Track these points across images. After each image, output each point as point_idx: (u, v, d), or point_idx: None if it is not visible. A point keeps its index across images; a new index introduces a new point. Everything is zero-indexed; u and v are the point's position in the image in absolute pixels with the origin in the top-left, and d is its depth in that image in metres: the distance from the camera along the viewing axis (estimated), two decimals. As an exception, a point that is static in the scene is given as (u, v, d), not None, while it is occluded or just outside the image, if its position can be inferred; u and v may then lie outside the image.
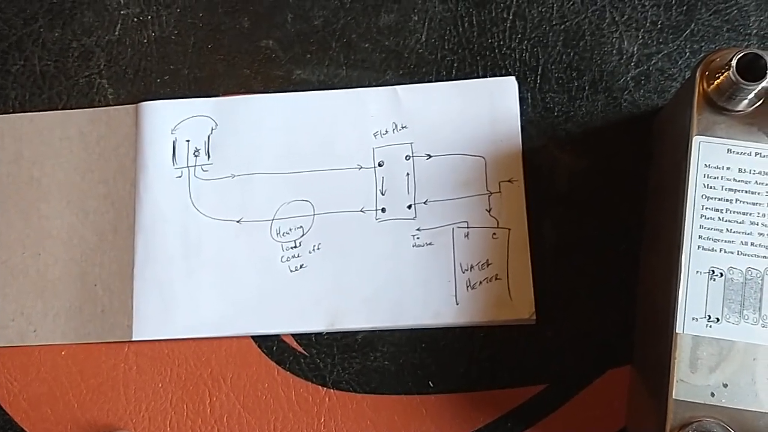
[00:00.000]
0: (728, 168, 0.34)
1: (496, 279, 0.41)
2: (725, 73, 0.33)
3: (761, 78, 0.33)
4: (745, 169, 0.34)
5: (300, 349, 0.42)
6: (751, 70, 0.33)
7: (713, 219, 0.34)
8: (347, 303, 0.41)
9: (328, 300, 0.41)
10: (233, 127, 0.43)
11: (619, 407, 0.40)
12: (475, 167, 0.42)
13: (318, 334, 0.42)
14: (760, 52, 0.33)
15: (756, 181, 0.34)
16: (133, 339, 0.41)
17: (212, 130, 0.43)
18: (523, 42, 0.44)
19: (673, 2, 0.43)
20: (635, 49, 0.43)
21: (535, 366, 0.40)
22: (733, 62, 0.33)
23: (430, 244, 0.42)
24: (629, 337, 0.40)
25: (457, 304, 0.41)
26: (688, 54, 0.43)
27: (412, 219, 0.42)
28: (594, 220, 0.41)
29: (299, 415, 0.41)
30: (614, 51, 0.43)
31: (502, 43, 0.44)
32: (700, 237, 0.34)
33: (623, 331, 0.40)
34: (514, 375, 0.40)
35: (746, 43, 0.42)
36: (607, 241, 0.41)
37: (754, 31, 0.43)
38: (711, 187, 0.34)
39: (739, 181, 0.34)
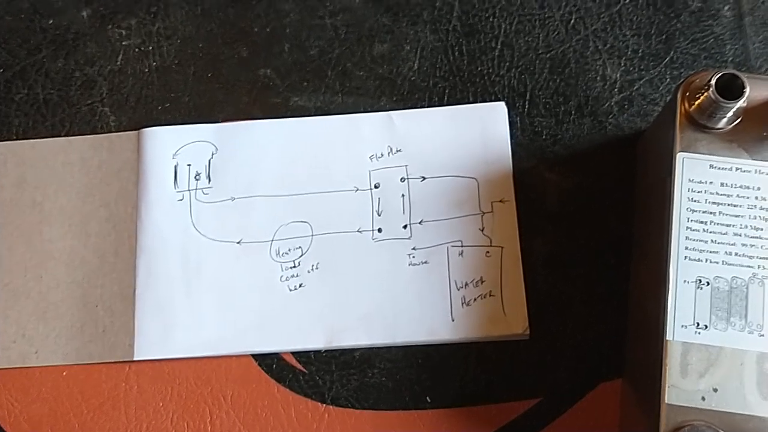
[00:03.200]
0: (711, 182, 0.36)
1: (490, 296, 0.42)
2: (705, 93, 0.35)
3: (739, 96, 0.35)
4: (727, 184, 0.36)
5: (299, 366, 0.42)
6: (729, 89, 0.35)
7: (698, 231, 0.36)
8: (345, 321, 0.42)
9: (326, 318, 0.42)
10: (233, 151, 0.44)
11: (612, 420, 0.41)
12: (468, 188, 0.44)
13: (317, 352, 0.42)
14: (737, 73, 0.35)
15: (738, 195, 0.36)
16: (135, 359, 0.42)
17: (212, 154, 0.44)
18: (512, 69, 0.46)
19: (653, 32, 0.46)
20: (618, 75, 0.45)
21: (529, 380, 0.41)
22: (713, 82, 0.35)
23: (425, 262, 0.43)
24: (620, 350, 0.41)
25: (453, 320, 0.42)
26: (668, 80, 0.45)
27: (408, 239, 0.43)
28: (583, 236, 0.43)
29: (299, 431, 0.41)
30: (598, 77, 0.45)
31: (491, 70, 0.46)
32: (686, 248, 0.35)
33: (614, 344, 0.41)
34: (508, 389, 0.41)
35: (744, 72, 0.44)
36: (596, 256, 0.43)
37: (730, 58, 0.45)
38: (695, 201, 0.36)
39: (721, 194, 0.36)
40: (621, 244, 0.42)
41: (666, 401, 0.34)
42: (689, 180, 0.36)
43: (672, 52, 0.45)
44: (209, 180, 0.44)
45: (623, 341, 0.41)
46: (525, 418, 0.41)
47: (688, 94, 0.37)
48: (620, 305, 0.42)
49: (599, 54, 0.45)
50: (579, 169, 0.44)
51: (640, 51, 0.45)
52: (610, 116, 0.45)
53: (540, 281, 0.42)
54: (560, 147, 0.44)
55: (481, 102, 0.45)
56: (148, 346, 0.42)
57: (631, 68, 0.45)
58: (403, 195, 0.44)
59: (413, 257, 0.43)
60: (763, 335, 0.34)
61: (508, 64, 0.46)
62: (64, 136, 0.46)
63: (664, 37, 0.46)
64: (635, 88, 0.45)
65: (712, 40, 0.45)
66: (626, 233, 0.42)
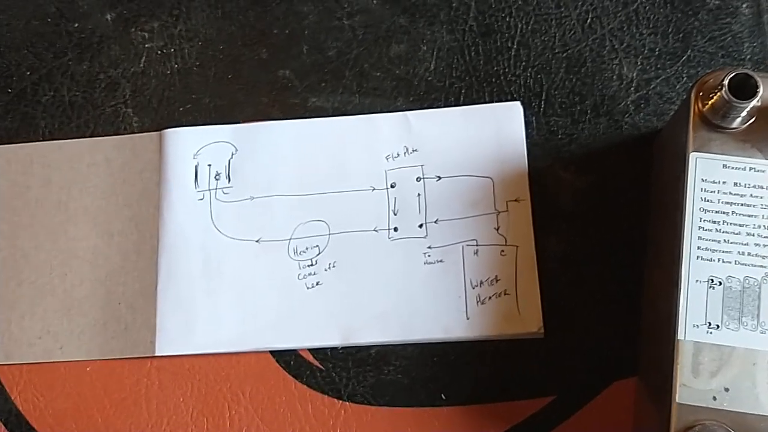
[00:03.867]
0: (724, 182, 0.36)
1: (505, 294, 0.42)
2: (718, 93, 0.35)
3: (752, 96, 0.35)
4: (740, 183, 0.36)
5: (316, 363, 0.43)
6: (742, 89, 0.35)
7: (711, 230, 0.36)
8: (361, 318, 0.43)
9: (343, 316, 0.43)
10: (252, 151, 0.45)
11: (626, 418, 0.41)
12: (483, 188, 0.44)
13: (333, 349, 0.43)
14: (750, 72, 0.35)
15: (751, 195, 0.36)
16: (156, 354, 0.43)
17: (232, 155, 0.45)
18: (528, 69, 0.46)
19: (670, 30, 0.46)
20: (634, 74, 0.45)
21: (543, 378, 0.42)
22: (725, 82, 0.35)
23: (440, 261, 0.43)
24: (635, 349, 0.41)
25: (468, 318, 0.42)
26: (685, 78, 0.45)
27: (424, 238, 0.44)
28: (598, 236, 0.43)
29: (315, 427, 0.42)
30: (614, 77, 0.45)
31: (507, 70, 0.46)
32: (698, 248, 0.36)
33: (629, 343, 0.41)
34: (523, 387, 0.42)
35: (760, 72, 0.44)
36: (611, 255, 0.43)
37: (748, 56, 0.45)
38: (708, 201, 0.36)
39: (734, 194, 0.36)
40: (635, 243, 0.42)
41: (677, 400, 0.34)
42: (702, 180, 0.36)
43: (689, 51, 0.45)
44: (229, 180, 0.45)
45: (637, 340, 0.41)
46: (539, 416, 0.41)
47: (701, 93, 0.37)
48: (634, 304, 0.42)
49: (616, 53, 0.46)
50: (594, 169, 0.44)
51: (657, 50, 0.45)
52: (626, 115, 0.45)
53: (554, 280, 0.43)
54: (576, 146, 0.44)
55: (497, 102, 0.45)
56: (169, 342, 0.43)
57: (648, 67, 0.45)
58: (419, 194, 0.44)
59: (429, 256, 0.43)
60: (776, 335, 0.34)
61: (524, 63, 0.46)
62: (89, 137, 0.47)
63: (681, 35, 0.45)
64: (652, 87, 0.45)
65: (729, 38, 0.45)
66: (641, 233, 0.42)
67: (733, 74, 0.35)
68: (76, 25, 0.49)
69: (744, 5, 0.46)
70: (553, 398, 0.42)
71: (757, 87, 0.35)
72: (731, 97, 0.35)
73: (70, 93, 0.48)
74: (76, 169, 0.47)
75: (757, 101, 0.35)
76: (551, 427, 0.41)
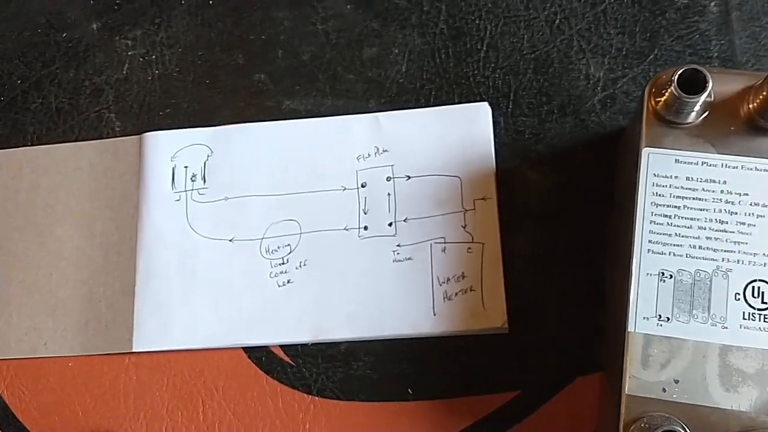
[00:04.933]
0: (676, 177, 0.37)
1: (471, 290, 0.43)
2: (669, 89, 0.36)
3: (701, 91, 0.35)
4: (692, 178, 0.36)
5: (287, 359, 0.44)
6: (692, 84, 0.35)
7: (662, 224, 0.36)
8: (331, 315, 0.44)
9: (313, 313, 0.44)
10: (227, 153, 0.47)
11: (589, 413, 0.41)
12: (452, 187, 0.45)
13: (304, 345, 0.44)
14: (698, 67, 0.35)
15: (703, 189, 0.36)
16: (133, 351, 0.44)
17: (208, 156, 0.47)
18: (496, 70, 0.47)
19: (638, 29, 0.46)
20: (601, 74, 0.46)
21: (508, 373, 0.42)
22: (674, 77, 0.35)
23: (409, 259, 0.44)
24: (597, 345, 0.42)
25: (435, 315, 0.43)
26: (651, 77, 0.45)
27: (393, 236, 0.44)
28: (563, 233, 0.43)
29: (286, 421, 0.43)
30: (581, 76, 0.46)
31: (476, 72, 0.47)
32: (650, 241, 0.36)
33: (592, 340, 0.42)
34: (488, 382, 0.42)
35: (707, 66, 0.44)
36: (576, 253, 0.43)
37: (716, 54, 0.45)
38: (660, 195, 0.36)
39: (686, 188, 0.36)
40: (600, 241, 0.43)
41: (627, 392, 0.34)
42: (654, 174, 0.37)
43: (656, 50, 0.46)
44: (204, 181, 0.46)
45: (601, 337, 0.42)
46: (504, 410, 0.42)
47: (654, 90, 0.37)
48: (598, 301, 0.42)
49: (583, 53, 0.46)
50: (561, 168, 0.45)
51: (624, 49, 0.46)
52: (593, 115, 0.45)
53: (521, 278, 0.43)
54: (543, 146, 0.45)
55: (466, 103, 0.46)
56: (146, 339, 0.45)
57: (615, 66, 0.46)
58: (389, 194, 0.45)
59: (398, 254, 0.44)
60: (726, 328, 0.35)
61: (493, 65, 0.47)
62: (74, 141, 0.49)
63: (648, 34, 0.46)
64: (618, 86, 0.45)
65: (697, 36, 0.46)
66: (605, 232, 0.43)
67: (682, 70, 0.35)
68: (64, 35, 0.51)
69: (712, 3, 0.46)
70: (517, 393, 0.42)
71: (706, 82, 0.35)
72: (681, 92, 0.35)
73: (57, 100, 0.50)
74: (63, 173, 0.48)
75: (707, 96, 0.36)
76: (515, 421, 0.42)
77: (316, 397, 0.43)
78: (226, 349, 0.44)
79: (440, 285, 0.43)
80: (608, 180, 0.44)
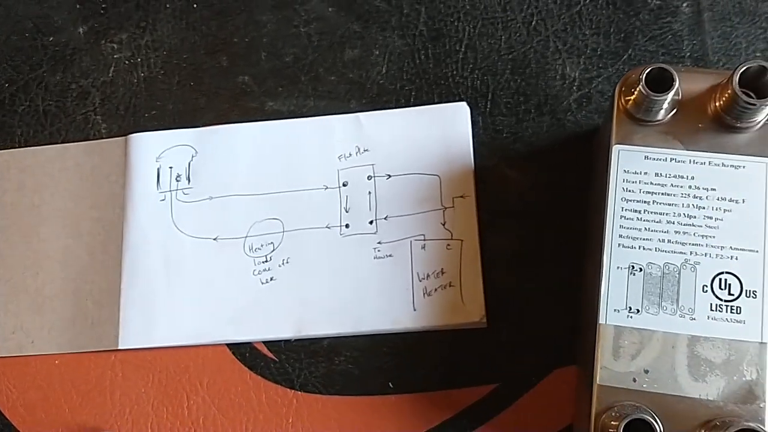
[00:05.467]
0: (646, 173, 0.38)
1: (450, 286, 0.44)
2: (638, 87, 0.37)
3: (668, 89, 0.36)
4: (661, 173, 0.37)
5: (270, 355, 0.45)
6: (660, 82, 0.37)
7: (632, 219, 0.37)
8: (314, 311, 0.45)
9: (296, 309, 0.45)
10: (211, 153, 0.48)
11: (566, 405, 0.42)
12: (431, 185, 0.46)
13: (287, 341, 0.45)
14: (665, 66, 0.36)
15: (672, 184, 0.37)
16: (119, 348, 0.45)
17: (193, 157, 0.48)
18: (475, 71, 0.48)
19: (612, 30, 0.47)
20: (577, 74, 0.47)
21: (487, 367, 0.43)
22: (642, 76, 0.36)
23: (390, 255, 0.45)
24: (574, 338, 0.43)
25: (415, 310, 0.44)
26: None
27: (374, 233, 0.45)
28: (541, 230, 0.44)
29: (269, 416, 0.44)
30: (558, 76, 0.47)
31: (455, 72, 0.48)
32: (620, 236, 0.37)
33: (568, 333, 0.43)
34: (467, 375, 0.43)
35: (674, 65, 0.45)
36: (553, 249, 0.44)
37: (688, 54, 0.46)
38: (629, 191, 0.37)
39: (656, 184, 0.37)
40: (577, 237, 0.44)
41: (598, 382, 0.35)
42: (624, 171, 0.38)
43: (630, 50, 0.47)
44: (189, 181, 0.47)
45: (576, 330, 0.43)
46: (483, 402, 0.43)
47: (624, 89, 0.38)
48: (575, 297, 0.43)
49: (559, 54, 0.47)
50: (538, 166, 0.46)
51: (599, 49, 0.47)
52: (569, 113, 0.46)
53: (500, 274, 0.44)
54: (520, 144, 0.46)
55: (445, 103, 0.47)
56: (132, 336, 0.45)
57: (590, 66, 0.47)
58: (369, 192, 0.46)
59: (378, 251, 0.45)
60: (694, 319, 0.36)
61: (471, 66, 0.48)
62: (61, 143, 0.50)
63: (622, 35, 0.47)
64: (593, 85, 0.46)
65: (670, 36, 0.47)
66: (583, 227, 0.44)
67: (650, 69, 0.36)
68: (51, 39, 0.52)
69: (684, 4, 0.47)
70: (496, 386, 0.43)
71: (673, 80, 0.36)
72: (648, 90, 0.36)
73: (44, 102, 0.51)
74: (49, 173, 0.49)
75: (674, 94, 0.37)
76: (494, 413, 0.43)
77: (299, 392, 0.44)
78: (210, 346, 0.45)
79: (420, 281, 0.44)
80: (584, 177, 0.44)
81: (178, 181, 0.47)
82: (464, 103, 0.47)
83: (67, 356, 0.46)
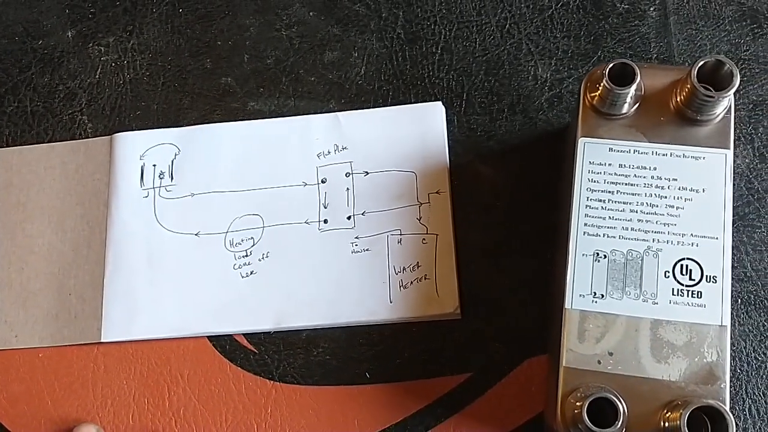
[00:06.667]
0: (610, 164, 0.39)
1: (425, 279, 0.45)
2: (602, 82, 0.38)
3: (630, 83, 0.38)
4: (625, 165, 0.39)
5: (250, 346, 0.46)
6: (623, 77, 0.38)
7: (597, 208, 0.38)
8: (293, 304, 0.46)
9: (275, 302, 0.46)
10: (194, 152, 0.49)
11: (538, 393, 0.43)
12: (407, 181, 0.47)
13: (266, 333, 0.46)
14: (628, 61, 0.38)
15: (635, 175, 0.39)
16: (102, 341, 0.46)
17: (175, 155, 0.49)
18: (450, 72, 0.49)
19: (582, 33, 0.49)
20: (548, 75, 0.48)
21: (461, 357, 0.44)
22: (606, 71, 0.38)
23: (367, 250, 0.46)
24: (545, 329, 0.44)
25: (391, 302, 0.45)
26: (591, 75, 0.48)
27: (352, 228, 0.47)
28: (513, 224, 0.46)
29: (248, 406, 0.45)
30: (530, 77, 0.48)
31: (431, 73, 0.49)
32: (585, 224, 0.38)
33: (539, 324, 0.44)
34: (442, 365, 0.44)
35: (643, 63, 0.47)
36: (524, 243, 0.45)
37: (655, 55, 0.48)
38: (594, 181, 0.39)
39: (620, 175, 0.39)
40: (548, 231, 0.45)
41: (564, 364, 0.37)
42: (590, 162, 0.39)
43: (599, 52, 0.48)
44: (172, 178, 0.48)
45: (548, 321, 0.44)
46: (457, 391, 0.44)
47: (589, 85, 0.40)
48: (546, 289, 0.44)
49: (531, 55, 0.49)
50: (511, 163, 0.47)
51: (570, 51, 0.49)
52: (540, 113, 0.48)
53: (474, 267, 0.45)
54: (494, 142, 0.48)
55: (421, 102, 0.49)
56: (115, 329, 0.46)
57: (561, 68, 0.48)
58: (347, 189, 0.47)
59: (356, 245, 0.46)
60: (657, 303, 0.37)
61: (447, 67, 0.49)
62: (47, 142, 0.51)
63: (592, 38, 0.49)
64: (564, 86, 0.48)
65: (637, 39, 0.48)
66: (553, 221, 0.45)
67: (613, 64, 0.38)
68: (40, 42, 0.53)
69: (651, 8, 0.49)
70: (470, 375, 0.44)
71: (634, 74, 0.38)
72: (612, 84, 0.38)
73: (32, 103, 0.52)
74: (35, 172, 0.50)
75: (636, 88, 0.38)
76: (468, 401, 0.44)
77: (278, 383, 0.45)
78: (191, 338, 0.46)
79: (396, 274, 0.45)
80: (555, 174, 0.46)
81: (161, 178, 0.49)
82: (440, 103, 0.48)
83: (51, 350, 0.47)
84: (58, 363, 0.47)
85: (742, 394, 0.42)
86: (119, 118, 0.51)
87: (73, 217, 0.49)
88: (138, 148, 0.49)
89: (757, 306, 0.43)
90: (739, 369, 0.43)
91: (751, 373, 0.43)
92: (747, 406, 0.42)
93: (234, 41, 0.52)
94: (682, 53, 0.48)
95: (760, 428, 0.42)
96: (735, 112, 0.39)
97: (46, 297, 0.48)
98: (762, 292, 0.44)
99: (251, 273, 0.46)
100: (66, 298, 0.48)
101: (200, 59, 0.51)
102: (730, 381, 0.37)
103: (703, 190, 0.38)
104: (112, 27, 0.53)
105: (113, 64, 0.52)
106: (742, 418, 0.42)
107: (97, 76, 0.52)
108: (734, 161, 0.40)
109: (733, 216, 0.39)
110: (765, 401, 0.42)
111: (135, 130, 0.50)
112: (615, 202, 0.38)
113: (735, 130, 0.39)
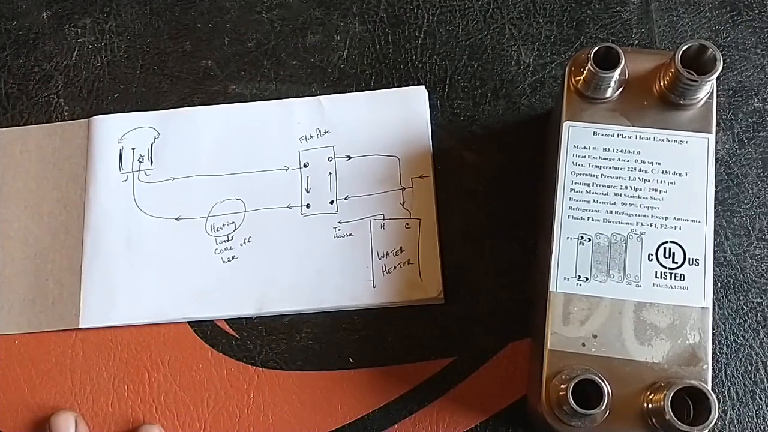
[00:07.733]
0: (594, 148, 0.39)
1: (409, 264, 0.45)
2: (587, 66, 0.38)
3: (615, 66, 0.38)
4: (609, 148, 0.39)
5: (232, 332, 0.45)
6: (607, 61, 0.38)
7: (581, 192, 0.39)
8: (275, 289, 0.45)
9: (257, 287, 0.45)
10: (174, 135, 0.48)
11: (521, 377, 0.43)
12: (390, 166, 0.47)
13: (248, 318, 0.46)
14: (612, 45, 0.38)
15: (619, 158, 0.39)
16: (80, 327, 0.45)
17: (155, 138, 0.48)
18: (433, 56, 0.49)
19: (565, 19, 0.49)
20: (531, 60, 0.48)
21: (444, 341, 0.44)
22: (590, 55, 0.38)
23: (350, 235, 0.46)
24: (528, 313, 0.44)
25: (374, 287, 0.45)
26: (575, 59, 0.48)
27: (334, 213, 0.46)
28: (496, 209, 0.46)
29: (230, 392, 0.44)
30: (513, 62, 0.48)
31: (414, 57, 0.49)
32: (570, 208, 0.38)
33: (523, 308, 0.44)
34: (425, 350, 0.44)
35: (627, 47, 0.47)
36: (508, 227, 0.45)
37: (636, 41, 0.48)
38: (579, 165, 0.39)
39: (604, 158, 0.39)
40: (530, 216, 0.45)
41: (548, 347, 0.37)
42: (574, 146, 0.39)
43: (582, 37, 0.48)
44: (151, 162, 0.48)
45: (531, 305, 0.44)
46: (440, 376, 0.44)
47: (574, 69, 0.40)
48: (529, 272, 0.44)
49: (514, 40, 0.49)
50: (494, 147, 0.47)
51: (552, 37, 0.49)
52: (524, 98, 0.48)
53: (456, 251, 0.45)
54: (477, 127, 0.47)
55: (404, 87, 0.48)
56: (93, 315, 0.46)
57: (544, 53, 0.48)
58: (330, 173, 0.47)
59: (339, 230, 0.46)
60: (640, 286, 0.37)
61: (430, 51, 0.49)
62: (23, 125, 0.50)
63: (575, 23, 0.49)
64: (547, 71, 0.48)
65: (619, 25, 0.49)
66: (536, 206, 0.45)
67: (597, 48, 0.38)
68: (15, 23, 0.52)
69: (633, -5, 0.49)
70: (453, 359, 0.44)
71: (619, 58, 0.38)
72: (596, 68, 0.38)
73: (6, 86, 0.51)
74: (11, 155, 0.49)
75: (621, 72, 0.38)
76: (452, 385, 0.44)
77: (260, 368, 0.45)
78: (172, 324, 0.46)
79: (379, 259, 0.45)
80: (537, 158, 0.46)
81: (140, 162, 0.48)
82: (423, 87, 0.48)
83: (27, 336, 0.46)
84: (35, 349, 0.46)
85: (721, 377, 0.43)
86: (97, 101, 0.50)
87: (50, 201, 0.48)
88: (116, 132, 0.48)
89: (736, 289, 0.44)
90: (719, 352, 0.43)
91: (730, 356, 0.43)
92: (726, 388, 0.43)
93: (214, 24, 0.51)
94: (663, 39, 0.48)
95: (739, 410, 0.42)
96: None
97: (23, 282, 0.47)
98: (741, 276, 0.44)
99: (233, 258, 0.46)
100: (43, 284, 0.47)
101: (180, 41, 0.51)
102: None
103: (686, 174, 0.38)
104: (88, 8, 0.52)
105: (90, 46, 0.51)
106: (722, 400, 0.43)
107: (73, 58, 0.51)
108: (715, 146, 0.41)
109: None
110: (744, 383, 0.43)
111: (113, 113, 0.49)
112: (599, 185, 0.39)
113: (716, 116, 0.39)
